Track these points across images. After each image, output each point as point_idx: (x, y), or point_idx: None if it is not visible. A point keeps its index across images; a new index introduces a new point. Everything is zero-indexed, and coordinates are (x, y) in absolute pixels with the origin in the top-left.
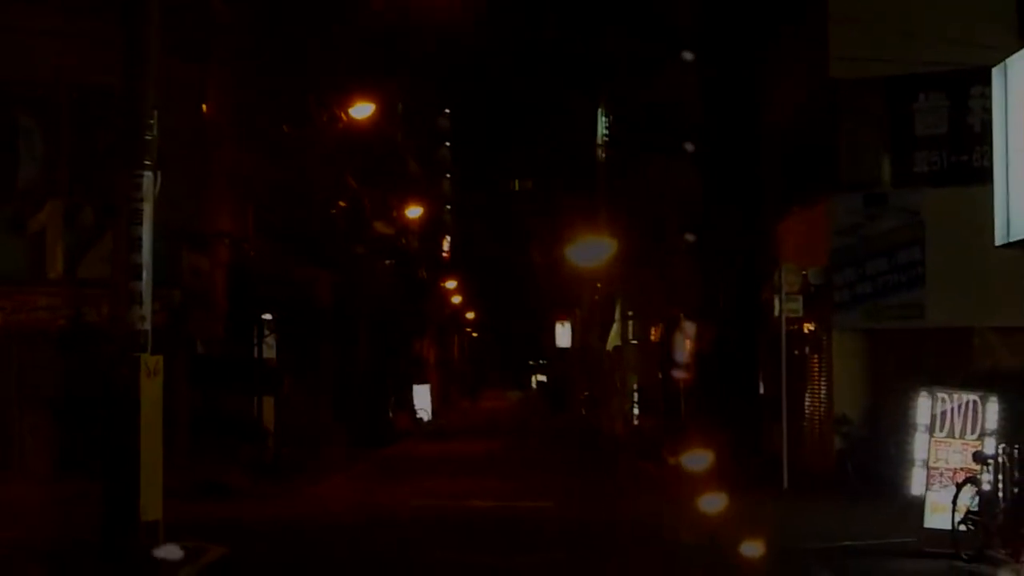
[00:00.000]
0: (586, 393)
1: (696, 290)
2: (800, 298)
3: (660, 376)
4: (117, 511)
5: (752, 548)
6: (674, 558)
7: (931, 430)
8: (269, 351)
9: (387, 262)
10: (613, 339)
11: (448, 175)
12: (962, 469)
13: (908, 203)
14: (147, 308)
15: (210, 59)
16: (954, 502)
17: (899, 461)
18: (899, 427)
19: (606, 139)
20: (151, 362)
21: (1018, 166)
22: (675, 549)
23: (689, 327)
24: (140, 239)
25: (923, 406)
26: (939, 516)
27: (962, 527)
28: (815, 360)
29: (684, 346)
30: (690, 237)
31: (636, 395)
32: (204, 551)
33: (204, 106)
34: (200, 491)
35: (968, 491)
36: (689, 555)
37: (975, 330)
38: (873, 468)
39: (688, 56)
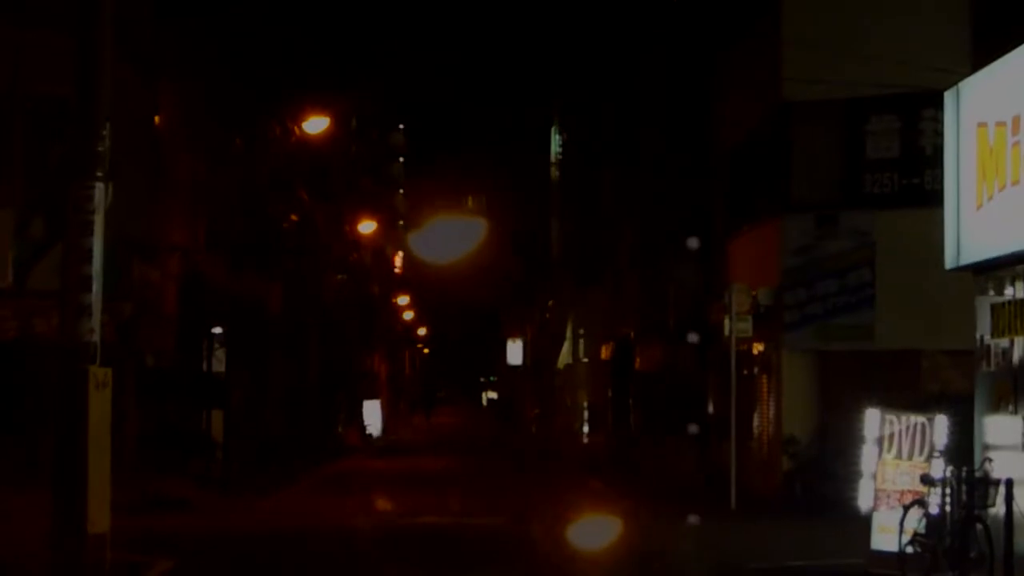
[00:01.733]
0: (536, 410)
1: (648, 308)
2: (750, 318)
3: (610, 394)
4: (66, 525)
5: (697, 568)
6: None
7: (879, 451)
8: (219, 364)
9: (339, 276)
10: (564, 357)
11: (401, 191)
12: (910, 491)
13: (859, 224)
14: (96, 320)
15: (163, 71)
16: (901, 524)
17: (847, 482)
18: (847, 448)
19: (559, 157)
20: (99, 374)
21: (968, 190)
22: (623, 568)
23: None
24: (91, 251)
25: (871, 427)
26: (886, 538)
27: (909, 549)
28: (764, 380)
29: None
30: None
31: (586, 412)
32: (151, 564)
33: (156, 118)
34: (148, 504)
35: (915, 513)
36: (637, 568)
37: (924, 352)
38: (821, 489)
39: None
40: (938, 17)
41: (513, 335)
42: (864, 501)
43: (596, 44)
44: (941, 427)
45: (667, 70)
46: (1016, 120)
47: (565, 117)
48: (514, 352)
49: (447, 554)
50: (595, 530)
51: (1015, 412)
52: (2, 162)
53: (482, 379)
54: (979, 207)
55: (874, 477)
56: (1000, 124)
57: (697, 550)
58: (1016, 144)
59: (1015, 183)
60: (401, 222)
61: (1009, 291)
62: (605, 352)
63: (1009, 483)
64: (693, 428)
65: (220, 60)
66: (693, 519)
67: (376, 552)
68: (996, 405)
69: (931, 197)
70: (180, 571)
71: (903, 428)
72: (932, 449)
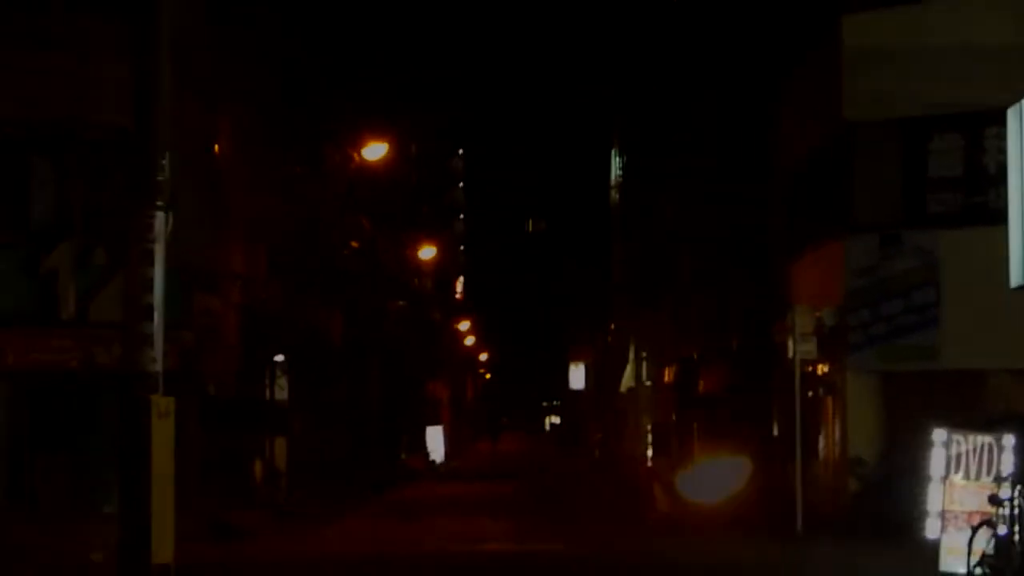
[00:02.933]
0: (599, 435)
1: (710, 331)
2: (814, 339)
3: (674, 417)
4: (130, 554)
5: None
6: None
7: (946, 472)
8: (281, 392)
9: (400, 303)
10: (627, 380)
11: (461, 216)
12: (978, 512)
13: (923, 244)
14: (158, 350)
15: (222, 100)
16: (969, 545)
17: (914, 504)
18: (914, 469)
19: (619, 180)
20: (162, 404)
21: None
22: None
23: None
24: (151, 280)
25: (938, 448)
26: (955, 559)
27: (978, 570)
28: (829, 401)
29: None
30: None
31: (650, 436)
32: None
33: (216, 147)
34: (212, 532)
35: (984, 534)
36: None
37: (989, 372)
38: (888, 510)
39: (703, 99)
40: (999, 33)
41: (575, 359)
42: (931, 530)
43: (656, 68)
44: (1008, 447)
45: (726, 94)
46: None
47: (625, 140)
48: (576, 376)
49: None
50: (661, 553)
51: None
52: (63, 193)
53: (544, 403)
54: None
55: (942, 498)
56: None
57: (766, 573)
58: None
59: None
60: (462, 247)
61: None
62: (668, 375)
63: None
64: (758, 450)
65: (279, 88)
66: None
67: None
68: None
69: (996, 215)
70: None
71: (970, 448)
72: (1000, 469)
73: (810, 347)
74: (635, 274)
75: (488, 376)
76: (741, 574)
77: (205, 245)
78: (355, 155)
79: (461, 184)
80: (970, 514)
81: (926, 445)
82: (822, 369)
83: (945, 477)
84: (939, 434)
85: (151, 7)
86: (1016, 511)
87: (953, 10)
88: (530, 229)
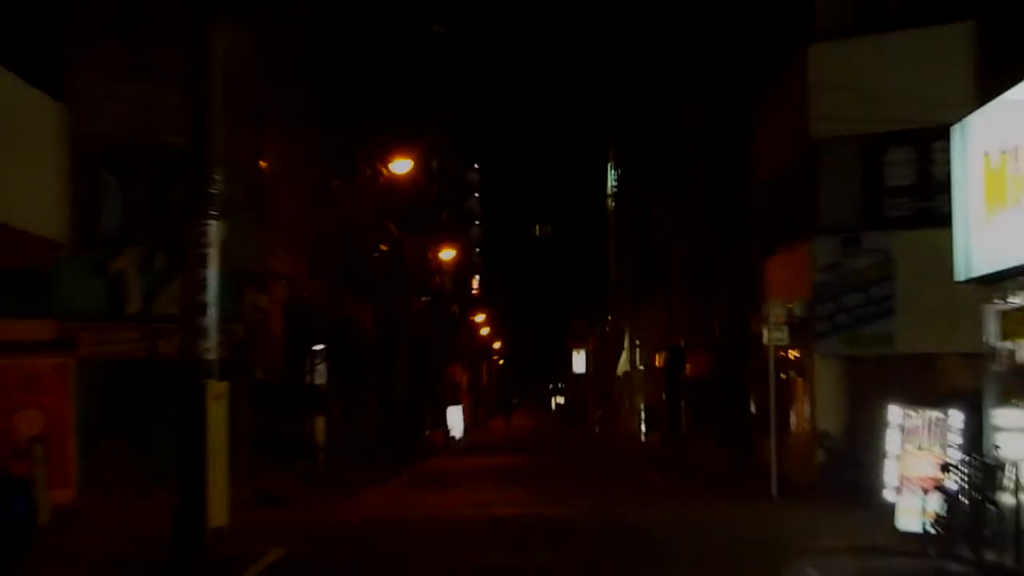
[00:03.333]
0: (599, 413)
1: (695, 322)
2: (786, 328)
3: (664, 397)
4: (189, 520)
5: (747, 546)
6: (677, 556)
7: (902, 443)
8: (320, 377)
9: (423, 299)
10: (622, 365)
11: (477, 222)
12: (930, 477)
13: (880, 244)
14: (212, 341)
15: (267, 121)
16: (923, 507)
17: (874, 471)
18: (874, 440)
19: (615, 190)
20: (216, 388)
21: (974, 212)
22: (679, 548)
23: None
24: (206, 280)
25: (894, 422)
26: (910, 519)
27: (930, 529)
28: (799, 383)
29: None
30: (688, 275)
31: (643, 414)
32: (264, 553)
33: (262, 163)
34: (260, 501)
35: (935, 497)
36: (691, 551)
37: (939, 355)
38: (851, 477)
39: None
40: (945, 60)
41: (577, 346)
42: (889, 487)
43: (646, 91)
44: (955, 420)
45: (709, 114)
46: (1015, 149)
47: (619, 155)
48: (578, 361)
49: (524, 540)
50: (652, 515)
51: (1021, 405)
52: (129, 204)
53: (550, 386)
54: (984, 227)
55: (898, 466)
56: (1001, 153)
57: (746, 532)
58: (1015, 171)
59: (1015, 205)
60: (477, 250)
61: (1012, 300)
62: (659, 360)
63: (1016, 466)
64: (737, 426)
65: (318, 110)
66: (740, 505)
67: (460, 539)
68: (1003, 400)
69: (942, 219)
70: (289, 558)
71: (922, 422)
72: (948, 440)
73: (782, 335)
74: (629, 272)
75: (501, 362)
76: (724, 531)
77: (254, 249)
78: (384, 170)
79: (476, 195)
80: (923, 479)
81: (884, 420)
82: (793, 354)
83: (901, 447)
84: (895, 410)
85: (204, 42)
86: (964, 476)
87: (904, 41)
88: (537, 233)
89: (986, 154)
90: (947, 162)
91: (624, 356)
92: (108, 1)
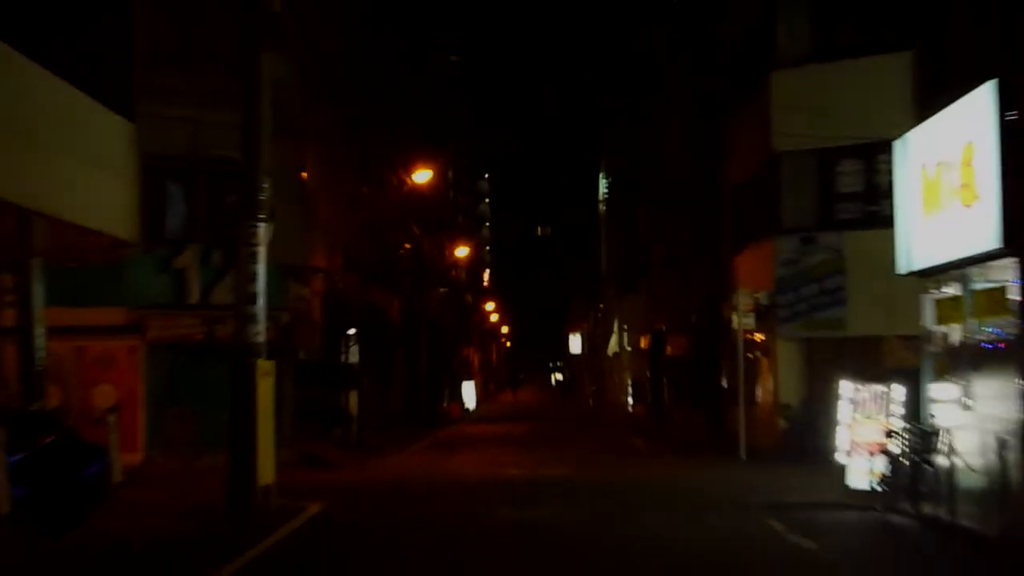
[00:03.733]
0: (593, 388)
1: (675, 309)
2: (752, 315)
3: (648, 374)
4: (241, 478)
5: (720, 497)
6: (659, 509)
7: (852, 412)
8: (353, 357)
9: (441, 290)
10: (612, 346)
11: (487, 224)
12: (876, 442)
13: (832, 243)
14: (261, 326)
15: (308, 137)
16: (870, 468)
17: (827, 437)
18: (827, 411)
19: (606, 196)
20: (264, 366)
21: (913, 215)
22: (661, 502)
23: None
24: (256, 274)
25: (845, 395)
26: (858, 478)
27: (876, 487)
28: (764, 362)
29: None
30: (668, 269)
31: (630, 388)
32: (305, 507)
33: (304, 173)
34: (302, 462)
35: (880, 459)
36: (672, 505)
37: (883, 338)
38: (808, 442)
39: (670, 133)
40: (888, 84)
41: (574, 330)
42: (841, 451)
43: (633, 111)
44: (897, 393)
45: (688, 129)
46: (945, 162)
47: (610, 166)
48: (575, 343)
49: (533, 494)
50: (638, 474)
51: (952, 380)
52: (190, 209)
53: (551, 364)
54: (921, 228)
55: (848, 433)
56: (936, 164)
57: (719, 488)
58: (948, 180)
59: (947, 210)
60: (487, 247)
61: (946, 290)
62: (643, 342)
63: (949, 433)
64: (711, 398)
65: (351, 128)
66: (712, 466)
67: (473, 497)
68: (938, 376)
69: (886, 221)
70: (328, 511)
71: (869, 395)
72: (891, 410)
73: (749, 320)
74: (617, 266)
75: (508, 344)
76: (701, 488)
77: (297, 247)
78: (407, 179)
79: (487, 200)
80: (870, 444)
81: (836, 393)
82: (758, 337)
83: (851, 416)
84: (845, 384)
85: (253, 71)
86: (905, 442)
87: (854, 68)
88: (539, 233)
89: (923, 166)
90: (890, 172)
91: (613, 339)
92: (171, 35)
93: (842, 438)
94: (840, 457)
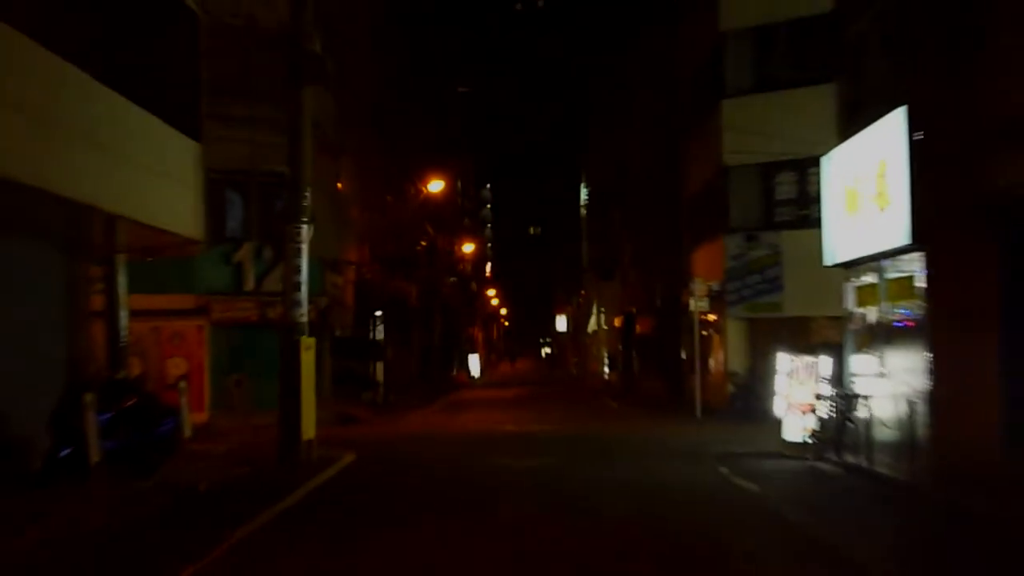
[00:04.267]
0: (575, 359)
1: (642, 295)
2: (707, 299)
3: (620, 348)
4: (288, 433)
5: (679, 447)
6: (628, 457)
7: (787, 380)
8: (379, 334)
9: (451, 279)
10: (591, 325)
11: (488, 225)
12: (807, 403)
13: (771, 240)
14: (304, 309)
15: (342, 155)
16: (802, 424)
17: (767, 399)
18: (767, 378)
19: (587, 202)
20: (307, 342)
21: (836, 218)
22: (630, 451)
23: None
24: (300, 266)
25: (782, 365)
26: (793, 433)
27: (807, 440)
28: (716, 337)
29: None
30: (638, 262)
31: (606, 360)
32: (341, 457)
33: (339, 184)
34: (338, 420)
35: (811, 417)
36: (639, 454)
37: (812, 318)
38: (752, 403)
39: (640, 151)
40: (817, 110)
41: (560, 312)
42: (778, 411)
43: (608, 132)
44: (824, 364)
45: (654, 147)
46: (863, 174)
47: (589, 178)
48: (561, 323)
49: (525, 446)
50: (613, 429)
51: (869, 353)
52: (246, 213)
53: (541, 340)
54: (843, 228)
55: (785, 395)
56: (854, 177)
57: (678, 440)
58: (863, 190)
59: (863, 213)
60: (489, 245)
61: (864, 279)
62: (617, 322)
63: (867, 396)
64: (672, 368)
65: (377, 147)
66: (673, 423)
67: (476, 447)
68: (858, 349)
69: (815, 222)
70: (360, 459)
71: (801, 365)
72: (820, 376)
73: (704, 304)
74: (596, 259)
75: (506, 323)
76: (665, 439)
77: (333, 244)
78: (423, 188)
79: (488, 206)
80: (802, 405)
81: (774, 363)
82: (711, 317)
83: (787, 381)
84: (782, 356)
85: (298, 101)
86: (830, 403)
87: (789, 97)
88: (531, 232)
89: (845, 177)
90: (818, 182)
91: (592, 319)
92: (230, 71)
93: (779, 400)
94: (778, 415)
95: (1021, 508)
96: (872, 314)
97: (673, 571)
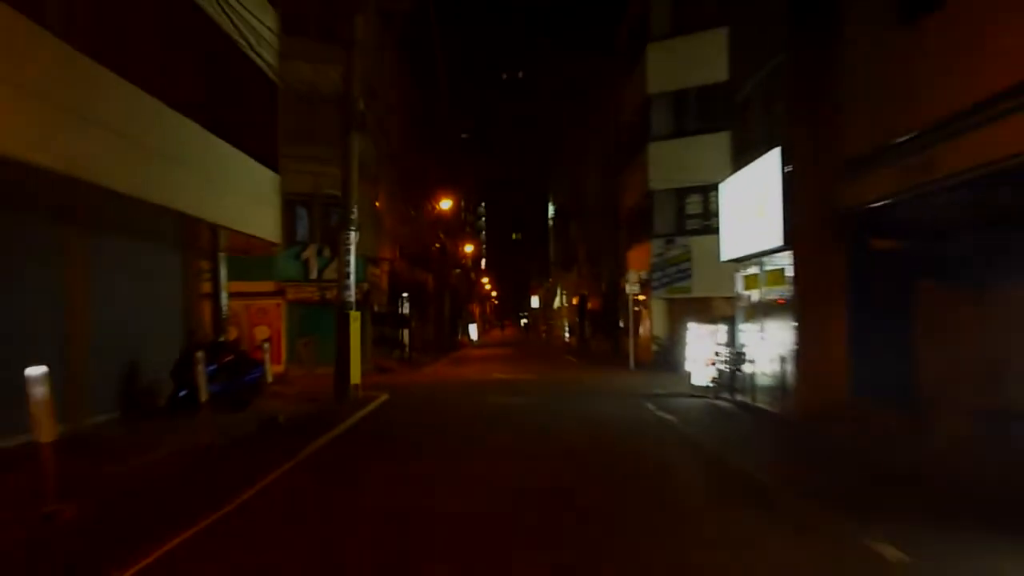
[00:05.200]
0: (544, 328)
1: (592, 282)
2: (638, 285)
3: (577, 319)
4: (341, 380)
5: (618, 390)
6: (581, 395)
7: (695, 341)
8: (406, 309)
9: (456, 270)
10: (556, 303)
11: (483, 231)
12: (710, 359)
13: (684, 243)
14: (352, 292)
15: (379, 182)
16: (706, 374)
17: (681, 355)
18: (681, 340)
19: (553, 218)
20: (354, 315)
21: (728, 227)
22: (582, 392)
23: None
24: (349, 262)
25: (691, 331)
26: (699, 379)
27: (709, 384)
28: (644, 312)
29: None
30: (590, 258)
31: (567, 328)
32: (378, 396)
33: (377, 202)
34: (376, 371)
35: (712, 369)
36: (589, 393)
37: (713, 298)
38: (671, 359)
39: (591, 179)
40: (717, 150)
41: (534, 293)
42: (689, 363)
43: (569, 165)
44: (721, 330)
45: (601, 177)
46: (749, 195)
47: (556, 198)
48: (535, 301)
49: (509, 388)
50: (571, 377)
51: (753, 323)
52: (311, 223)
53: (520, 314)
54: (732, 234)
55: (693, 352)
56: (742, 197)
57: (618, 383)
58: (749, 206)
59: (748, 223)
60: (484, 245)
61: (749, 270)
62: (574, 301)
63: (751, 355)
64: (614, 333)
65: (404, 176)
66: (613, 372)
67: (475, 389)
68: (745, 320)
69: (714, 230)
70: (391, 398)
71: (705, 331)
72: (717, 340)
73: (636, 288)
74: (560, 257)
75: (496, 302)
76: (608, 384)
77: (372, 245)
78: (437, 206)
79: (483, 218)
80: (706, 360)
81: (686, 330)
82: (641, 297)
83: (695, 342)
84: (692, 325)
85: (347, 143)
86: (725, 358)
87: (698, 141)
88: (514, 238)
89: (735, 198)
90: (716, 202)
91: (557, 299)
92: (300, 123)
93: (690, 356)
94: (688, 367)
95: (855, 430)
96: (755, 295)
97: (612, 466)
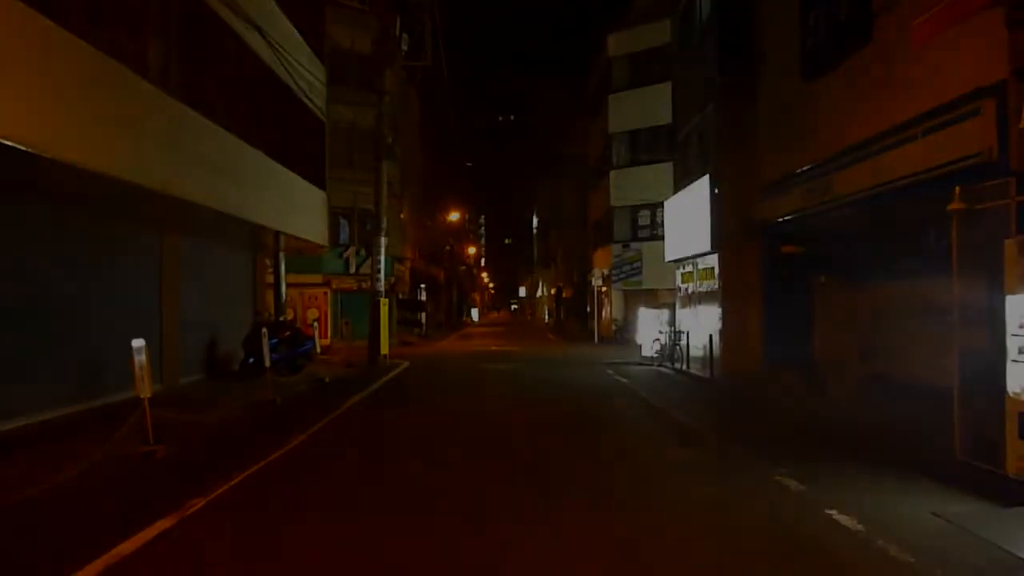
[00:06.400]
0: (529, 311)
1: (566, 276)
2: (601, 279)
3: (555, 306)
4: (374, 350)
5: (585, 359)
6: (557, 365)
7: (645, 322)
8: (424, 297)
9: (462, 268)
10: (539, 293)
11: (483, 238)
12: (656, 336)
13: (637, 247)
14: (383, 283)
15: (403, 198)
16: (652, 347)
17: (632, 331)
18: (635, 321)
19: (537, 227)
20: (384, 301)
21: (671, 235)
22: (557, 362)
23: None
24: (380, 260)
25: (642, 314)
26: (647, 352)
27: (655, 356)
28: (606, 300)
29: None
30: (566, 259)
31: (547, 313)
32: (402, 363)
33: (401, 214)
34: (400, 344)
35: (657, 344)
36: (562, 362)
37: (658, 290)
38: (625, 335)
39: (564, 195)
40: (663, 175)
41: (521, 285)
42: (640, 339)
43: (548, 182)
44: (664, 314)
45: (574, 195)
46: (686, 211)
47: (539, 211)
48: (522, 291)
49: (502, 358)
50: (550, 349)
51: (689, 308)
52: (351, 230)
53: (511, 301)
54: (673, 240)
55: (643, 330)
56: (681, 212)
57: (586, 355)
58: (686, 218)
59: (685, 232)
60: (483, 248)
61: (686, 268)
62: (553, 291)
63: (687, 333)
64: (583, 316)
65: (422, 193)
66: (582, 346)
67: (475, 358)
68: (683, 306)
69: (660, 237)
70: (412, 365)
71: (652, 315)
72: (662, 321)
73: (600, 282)
74: (542, 257)
75: (493, 291)
76: (578, 355)
77: (398, 248)
78: (447, 218)
79: (483, 228)
80: (653, 336)
81: (637, 314)
82: (604, 289)
83: (645, 324)
84: (643, 310)
85: (378, 168)
86: (668, 335)
87: (650, 169)
88: (506, 242)
89: (676, 212)
90: (662, 216)
91: (539, 289)
92: (342, 151)
93: (641, 333)
94: (639, 342)
95: (765, 390)
96: (690, 287)
97: (578, 413)
